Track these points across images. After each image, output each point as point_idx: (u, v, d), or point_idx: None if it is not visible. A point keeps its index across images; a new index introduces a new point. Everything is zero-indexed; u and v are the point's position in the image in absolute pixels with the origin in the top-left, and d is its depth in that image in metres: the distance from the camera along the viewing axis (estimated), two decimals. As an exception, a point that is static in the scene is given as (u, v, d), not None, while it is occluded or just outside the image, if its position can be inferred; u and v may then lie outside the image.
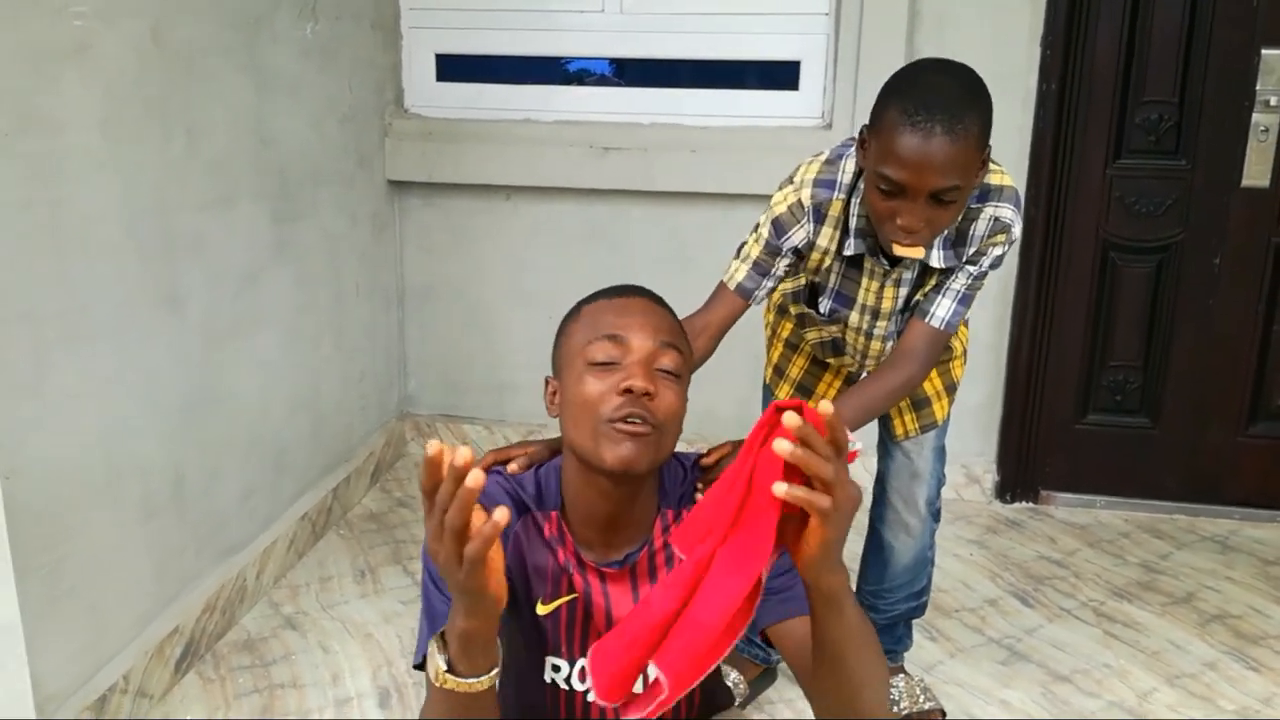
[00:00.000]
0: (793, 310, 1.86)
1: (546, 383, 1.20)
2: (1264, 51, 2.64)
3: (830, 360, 1.90)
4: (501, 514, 0.84)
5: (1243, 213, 2.76)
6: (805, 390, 1.96)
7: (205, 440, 2.19)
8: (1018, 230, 1.60)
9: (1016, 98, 2.72)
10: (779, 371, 1.99)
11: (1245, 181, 2.73)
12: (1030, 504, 3.00)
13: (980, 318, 2.67)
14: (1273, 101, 2.66)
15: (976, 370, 2.72)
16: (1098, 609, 2.44)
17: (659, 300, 1.20)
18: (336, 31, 2.65)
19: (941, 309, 1.63)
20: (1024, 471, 3.00)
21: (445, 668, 0.97)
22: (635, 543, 1.20)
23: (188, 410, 2.12)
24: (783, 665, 2.15)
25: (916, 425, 1.89)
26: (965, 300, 1.64)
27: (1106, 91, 2.73)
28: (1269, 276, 2.79)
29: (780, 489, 0.83)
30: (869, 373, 1.84)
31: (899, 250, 1.48)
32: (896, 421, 1.90)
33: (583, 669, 1.22)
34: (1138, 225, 2.79)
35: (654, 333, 1.13)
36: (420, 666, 1.09)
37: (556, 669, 1.22)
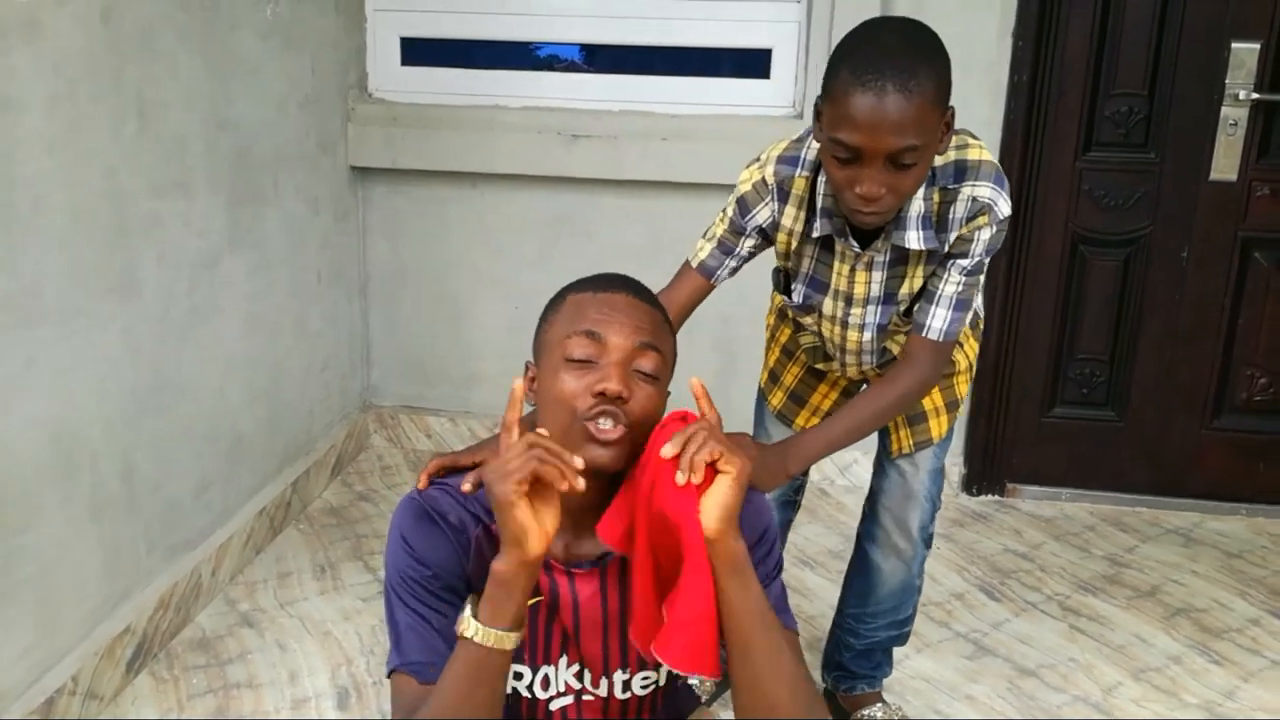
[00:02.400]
0: (790, 315, 1.78)
1: (526, 367, 1.18)
2: (1234, 45, 2.65)
3: (820, 366, 1.82)
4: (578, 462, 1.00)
5: (1211, 206, 2.76)
6: (799, 400, 1.88)
7: (159, 431, 2.13)
8: (1004, 208, 1.46)
9: (987, 90, 2.71)
10: (774, 377, 1.90)
11: (1213, 175, 2.74)
12: (997, 497, 3.00)
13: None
14: (1242, 95, 2.66)
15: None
16: (1063, 603, 2.45)
17: (645, 295, 1.16)
18: (298, 13, 2.59)
19: (937, 320, 1.52)
20: (990, 464, 3.00)
21: (472, 614, 1.02)
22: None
23: (140, 400, 2.06)
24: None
25: (911, 442, 1.79)
26: (961, 305, 1.52)
27: (1077, 84, 2.73)
28: (1235, 270, 2.81)
29: (668, 450, 1.03)
30: (860, 376, 1.78)
31: (859, 220, 1.41)
32: (893, 438, 1.81)
33: (545, 677, 1.19)
34: (1106, 218, 2.80)
35: (634, 332, 1.11)
36: (393, 674, 1.12)
37: (519, 676, 1.18)
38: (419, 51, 3.02)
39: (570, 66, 3.03)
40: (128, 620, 2.01)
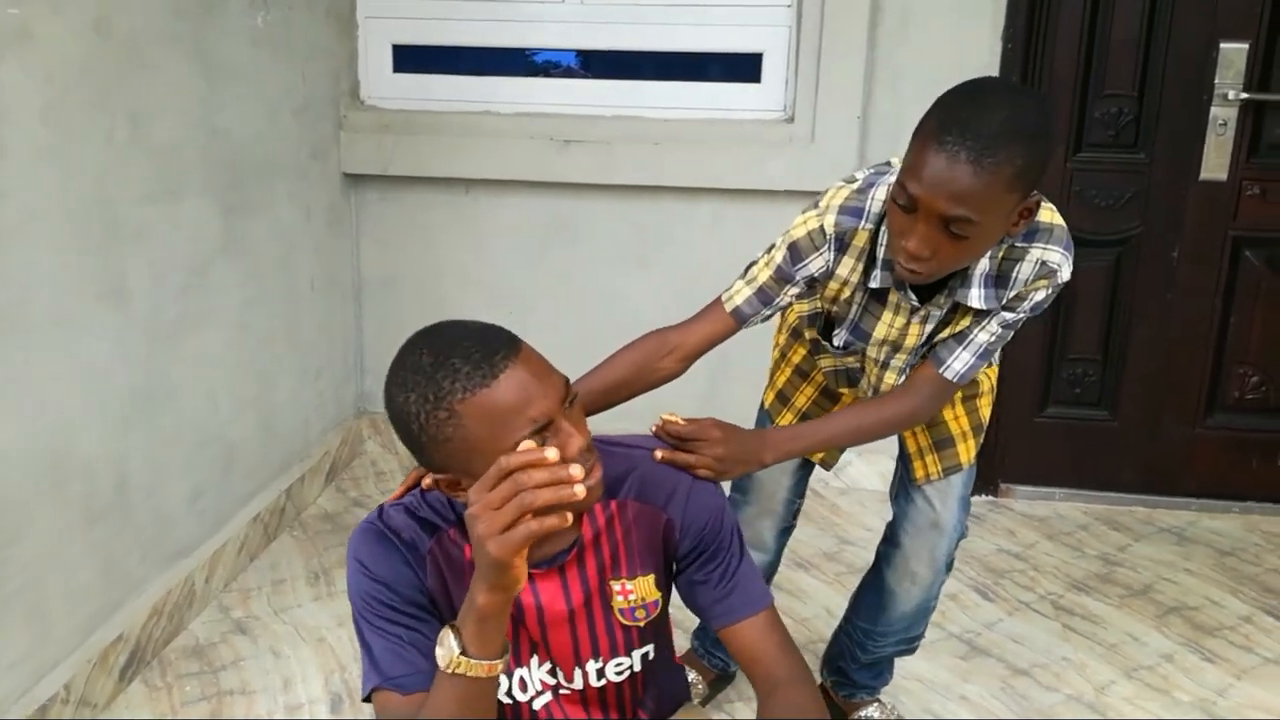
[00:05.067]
0: (808, 335, 1.75)
1: (438, 481, 1.08)
2: (1222, 45, 2.66)
3: (843, 391, 1.77)
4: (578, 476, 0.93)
5: (1201, 206, 2.77)
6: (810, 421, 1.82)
7: (152, 439, 2.13)
8: (1066, 274, 1.43)
9: (977, 91, 2.71)
10: (783, 398, 1.84)
11: (1203, 175, 2.75)
12: (990, 497, 3.01)
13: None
14: (1231, 95, 2.67)
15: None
16: (1056, 602, 2.45)
17: (529, 358, 1.06)
18: (289, 21, 2.59)
19: (959, 361, 1.50)
20: (984, 464, 2.97)
21: (459, 651, 0.99)
22: (565, 541, 1.18)
23: (133, 408, 2.06)
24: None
25: (939, 468, 1.73)
26: (985, 354, 1.50)
27: (1067, 85, 2.74)
28: (1226, 269, 2.81)
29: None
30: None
31: (900, 273, 1.37)
32: (917, 464, 1.74)
33: (521, 679, 1.19)
34: (1097, 218, 2.81)
35: (561, 397, 1.05)
36: (369, 699, 1.12)
37: (509, 694, 1.19)
38: (410, 58, 3.03)
39: (567, 72, 3.04)
40: (121, 628, 2.01)
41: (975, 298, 1.44)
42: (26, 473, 1.79)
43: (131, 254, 2.03)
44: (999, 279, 1.45)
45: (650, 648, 1.27)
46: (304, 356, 2.81)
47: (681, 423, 1.36)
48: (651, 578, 1.24)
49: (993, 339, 1.50)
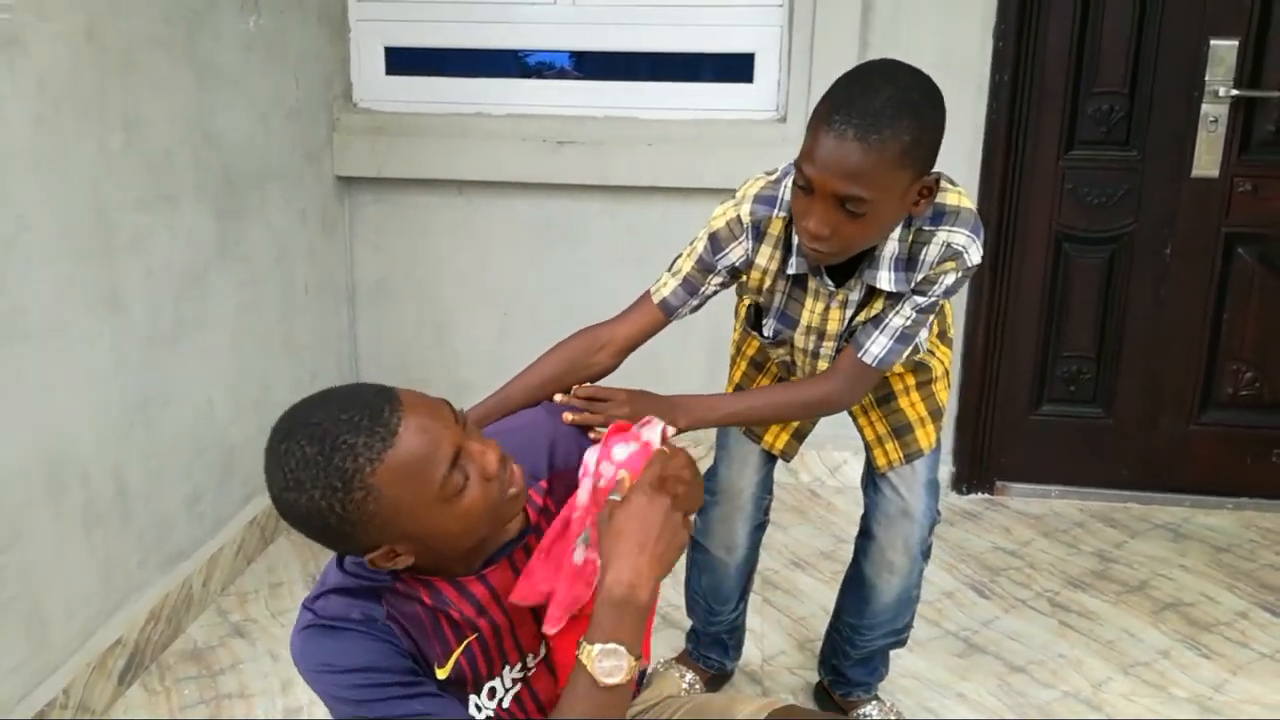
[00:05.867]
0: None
1: (371, 560, 1.04)
2: (1213, 42, 2.66)
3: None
4: None
5: (1193, 202, 2.78)
6: None
7: (149, 444, 2.14)
8: (974, 257, 1.46)
9: (970, 89, 2.73)
10: (740, 391, 1.86)
11: (1195, 171, 2.75)
12: (986, 495, 3.02)
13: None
14: (1221, 92, 2.68)
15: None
16: (1053, 599, 2.46)
17: (413, 402, 1.02)
18: (281, 25, 2.60)
19: (876, 345, 1.52)
20: (979, 463, 3.01)
21: (635, 656, 1.00)
22: (513, 532, 1.16)
23: (130, 413, 2.07)
24: (741, 665, 2.13)
25: (900, 454, 1.75)
26: (904, 339, 1.52)
27: (1058, 82, 2.74)
28: (1219, 265, 2.82)
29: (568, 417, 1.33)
30: None
31: (806, 253, 1.42)
32: (878, 452, 1.78)
33: (491, 688, 1.16)
34: (1090, 216, 2.81)
35: (454, 419, 1.04)
36: None
37: (479, 709, 1.16)
38: (403, 61, 3.03)
39: (560, 74, 3.04)
40: (119, 632, 2.02)
41: (885, 280, 1.47)
42: (25, 479, 1.79)
43: (127, 261, 2.03)
44: (908, 262, 1.47)
45: None
46: (299, 361, 2.81)
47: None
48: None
49: (908, 323, 1.51)
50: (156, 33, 2.10)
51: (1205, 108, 2.71)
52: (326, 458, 0.96)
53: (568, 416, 1.33)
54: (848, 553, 2.62)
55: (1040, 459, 3.00)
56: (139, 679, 2.08)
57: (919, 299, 1.50)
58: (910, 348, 1.55)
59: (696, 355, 2.98)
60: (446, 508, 1.01)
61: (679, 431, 1.50)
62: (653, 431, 1.19)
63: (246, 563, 2.51)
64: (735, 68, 2.92)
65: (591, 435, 1.30)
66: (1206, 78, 2.69)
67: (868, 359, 1.52)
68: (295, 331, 2.78)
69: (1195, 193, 2.78)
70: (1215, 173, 2.75)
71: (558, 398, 1.42)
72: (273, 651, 2.19)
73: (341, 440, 0.96)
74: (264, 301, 2.59)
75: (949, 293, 1.50)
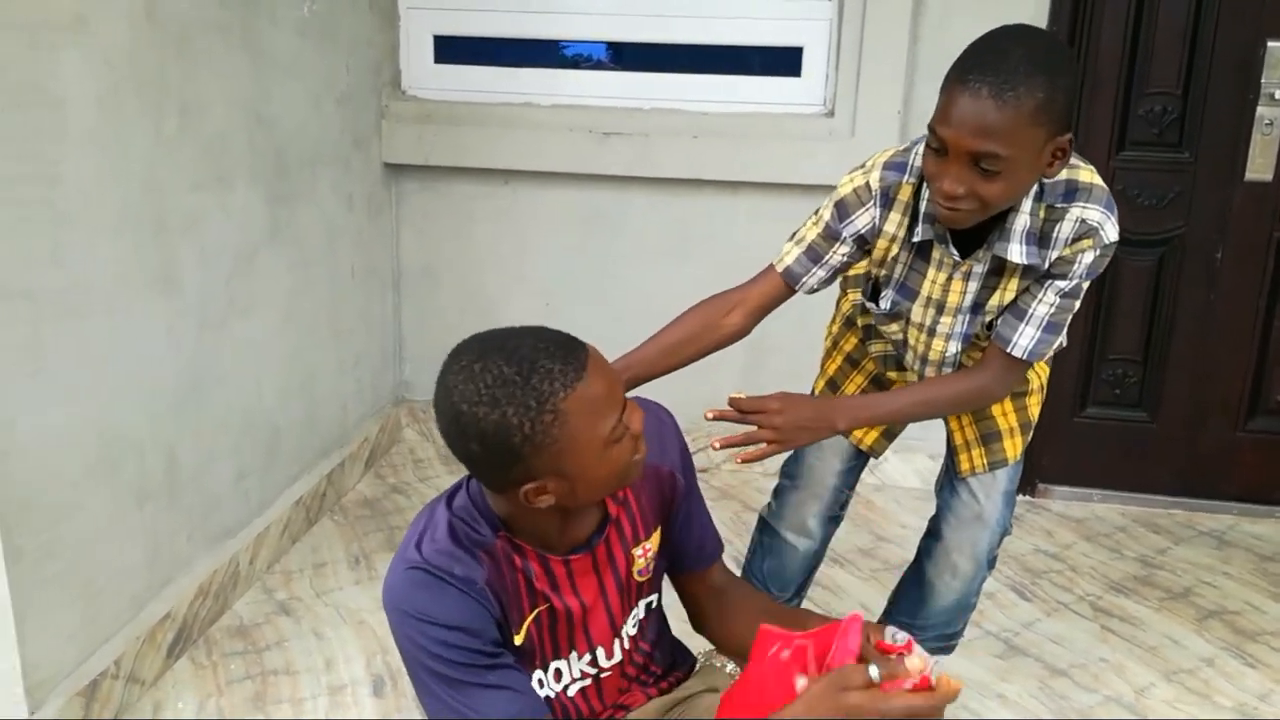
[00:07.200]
0: (860, 323, 1.77)
1: (523, 493, 1.06)
2: (1269, 44, 2.62)
3: (892, 376, 1.78)
4: None
5: (1245, 206, 2.74)
6: None
7: (199, 423, 2.17)
8: (1110, 234, 1.43)
9: (1021, 88, 2.70)
10: (833, 386, 1.86)
11: (1249, 175, 2.71)
12: (1028, 497, 2.99)
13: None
14: (1277, 95, 2.63)
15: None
16: (1095, 603, 2.44)
17: (593, 349, 1.10)
18: (334, 10, 2.62)
19: (1024, 337, 1.49)
20: (1022, 464, 2.98)
21: None
22: (595, 522, 1.19)
23: (181, 392, 2.10)
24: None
25: (985, 461, 1.73)
26: (1052, 328, 1.49)
27: (1110, 83, 2.71)
28: (1270, 271, 2.78)
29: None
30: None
31: (941, 217, 1.40)
32: (963, 456, 1.75)
33: (558, 670, 1.19)
34: (1140, 218, 2.78)
35: (621, 392, 1.11)
36: None
37: (541, 684, 1.19)
38: (452, 49, 3.04)
39: (598, 65, 3.05)
40: (169, 606, 2.05)
41: (1016, 252, 1.45)
42: (81, 452, 1.82)
43: (181, 241, 2.06)
44: (1041, 239, 1.46)
45: (654, 596, 1.29)
46: (344, 344, 2.84)
47: (744, 398, 1.43)
48: (658, 531, 1.26)
49: (1053, 309, 1.48)
50: (214, 16, 2.12)
51: (1261, 110, 2.67)
52: (525, 378, 1.01)
53: (716, 444, 1.42)
54: (887, 551, 2.64)
55: (1083, 462, 2.97)
56: (186, 652, 2.11)
57: (1060, 283, 1.47)
58: (1060, 337, 1.53)
59: (735, 350, 2.97)
60: (605, 453, 1.06)
61: (835, 433, 1.55)
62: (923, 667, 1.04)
63: (291, 542, 2.54)
64: (782, 61, 2.90)
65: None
66: (1263, 80, 2.65)
67: (1017, 352, 1.51)
68: (341, 315, 2.80)
69: (1248, 196, 2.74)
70: (1269, 176, 2.71)
71: (708, 414, 1.44)
72: (317, 630, 2.21)
73: (540, 364, 1.02)
74: (312, 284, 2.62)
75: (1091, 273, 1.47)
